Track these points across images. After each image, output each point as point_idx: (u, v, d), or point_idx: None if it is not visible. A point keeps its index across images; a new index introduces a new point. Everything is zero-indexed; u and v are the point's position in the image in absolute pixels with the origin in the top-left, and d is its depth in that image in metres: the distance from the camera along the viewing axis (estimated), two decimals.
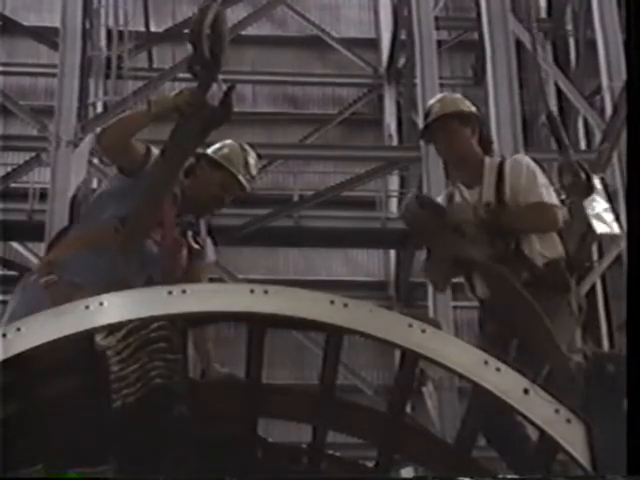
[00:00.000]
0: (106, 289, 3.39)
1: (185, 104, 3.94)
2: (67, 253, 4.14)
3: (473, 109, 4.74)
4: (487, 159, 4.65)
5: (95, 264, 4.04)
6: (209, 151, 4.50)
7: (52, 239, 4.43)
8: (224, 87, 3.96)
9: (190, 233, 4.37)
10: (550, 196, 4.52)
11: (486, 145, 4.71)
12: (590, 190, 4.81)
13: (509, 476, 3.93)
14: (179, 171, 4.05)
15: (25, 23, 13.78)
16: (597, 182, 4.86)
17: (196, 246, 4.36)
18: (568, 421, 3.07)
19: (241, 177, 4.44)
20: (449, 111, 4.68)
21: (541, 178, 4.57)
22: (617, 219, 4.84)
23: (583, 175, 4.78)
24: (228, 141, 4.58)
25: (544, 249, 4.52)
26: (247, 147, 4.58)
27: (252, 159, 4.56)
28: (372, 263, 14.01)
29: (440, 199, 4.78)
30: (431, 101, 4.89)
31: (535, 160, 4.74)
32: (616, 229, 4.82)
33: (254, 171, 4.54)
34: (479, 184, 4.61)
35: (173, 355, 3.52)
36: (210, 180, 4.42)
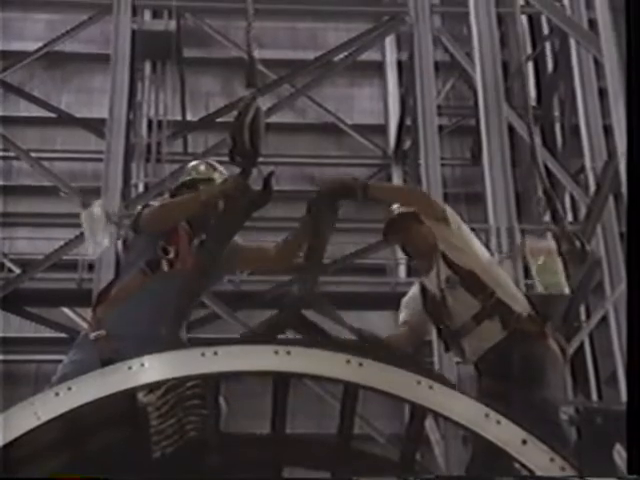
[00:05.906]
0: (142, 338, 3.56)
1: (232, 190, 3.96)
2: (110, 309, 4.16)
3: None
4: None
5: (131, 314, 4.07)
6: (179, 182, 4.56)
7: (97, 297, 4.42)
8: (264, 172, 4.00)
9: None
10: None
11: None
12: (585, 256, 4.80)
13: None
14: (226, 248, 4.08)
15: (77, 115, 13.97)
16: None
17: None
18: (562, 469, 3.03)
19: (210, 174, 4.47)
20: (404, 212, 4.82)
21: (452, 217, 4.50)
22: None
23: (578, 243, 4.79)
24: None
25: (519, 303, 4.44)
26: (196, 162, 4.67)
27: (202, 165, 4.60)
28: (383, 323, 13.92)
29: (414, 289, 4.77)
30: None
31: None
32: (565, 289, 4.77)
33: (209, 169, 4.54)
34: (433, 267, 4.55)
35: (206, 410, 3.51)
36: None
